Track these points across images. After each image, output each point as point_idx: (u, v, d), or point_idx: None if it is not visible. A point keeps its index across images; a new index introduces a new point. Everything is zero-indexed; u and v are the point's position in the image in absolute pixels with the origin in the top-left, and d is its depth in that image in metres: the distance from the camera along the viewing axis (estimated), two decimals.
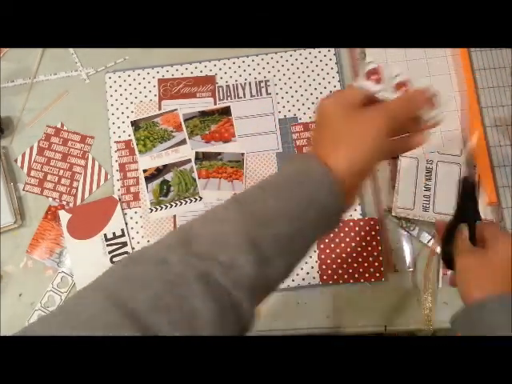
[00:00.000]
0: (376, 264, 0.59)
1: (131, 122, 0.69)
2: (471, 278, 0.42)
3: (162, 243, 0.35)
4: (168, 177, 0.67)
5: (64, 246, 0.65)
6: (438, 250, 0.62)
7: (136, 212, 0.66)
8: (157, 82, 0.70)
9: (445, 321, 0.61)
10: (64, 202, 0.67)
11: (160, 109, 0.69)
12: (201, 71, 0.70)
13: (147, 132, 0.68)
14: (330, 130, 0.39)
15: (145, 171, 0.67)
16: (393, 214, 0.63)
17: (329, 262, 0.60)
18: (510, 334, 0.38)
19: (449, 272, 0.61)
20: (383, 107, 0.40)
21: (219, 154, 0.67)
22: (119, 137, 0.68)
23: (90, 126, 0.69)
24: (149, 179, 0.67)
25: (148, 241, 0.65)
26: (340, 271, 0.59)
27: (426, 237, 0.63)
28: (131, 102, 0.69)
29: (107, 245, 0.65)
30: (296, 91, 0.69)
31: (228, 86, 0.69)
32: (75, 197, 0.67)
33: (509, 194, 0.62)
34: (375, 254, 0.60)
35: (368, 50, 0.69)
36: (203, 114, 0.69)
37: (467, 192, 0.50)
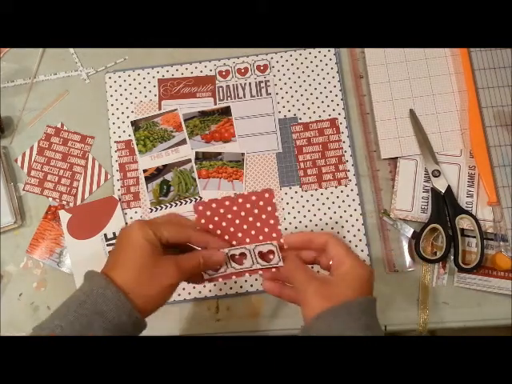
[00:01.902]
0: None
1: (131, 121, 0.69)
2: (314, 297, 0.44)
3: None
4: (168, 177, 0.67)
5: (64, 246, 0.65)
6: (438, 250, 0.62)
7: (136, 212, 0.66)
8: (157, 82, 0.70)
9: (444, 321, 0.61)
10: (64, 202, 0.67)
11: (160, 109, 0.69)
12: (201, 71, 0.70)
13: (147, 132, 0.68)
14: (131, 259, 0.43)
15: (145, 171, 0.67)
16: (391, 215, 0.64)
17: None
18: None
19: (446, 272, 0.62)
20: (179, 267, 0.44)
21: (219, 153, 0.67)
22: (119, 137, 0.68)
23: (90, 126, 0.69)
24: (149, 179, 0.67)
25: None
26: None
27: None
28: (131, 102, 0.69)
29: (107, 245, 0.65)
30: (296, 91, 0.69)
31: (228, 86, 0.69)
32: (75, 197, 0.67)
33: (509, 194, 0.62)
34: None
35: (367, 51, 0.69)
36: (203, 113, 0.69)
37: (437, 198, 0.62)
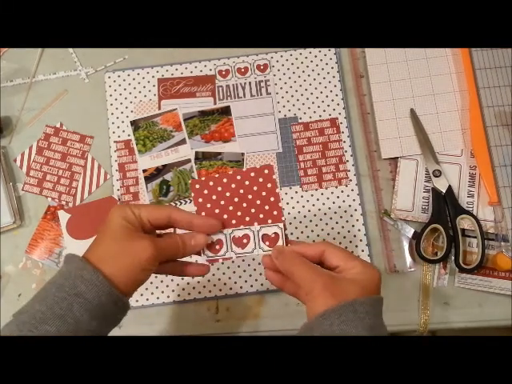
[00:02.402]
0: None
1: (131, 121, 0.68)
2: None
3: None
4: (168, 177, 0.66)
5: (63, 246, 0.65)
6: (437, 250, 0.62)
7: None
8: (156, 82, 0.70)
9: (445, 321, 0.61)
10: (63, 202, 0.67)
11: (160, 108, 0.69)
12: (200, 71, 0.70)
13: (147, 132, 0.68)
14: (108, 237, 0.44)
15: (144, 171, 0.67)
16: (392, 215, 0.63)
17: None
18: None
19: (447, 272, 0.61)
20: (155, 243, 0.44)
21: (219, 153, 0.67)
22: (119, 136, 0.68)
23: (89, 126, 0.69)
24: (148, 179, 0.67)
25: None
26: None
27: None
28: (131, 102, 0.69)
29: None
30: (296, 91, 0.69)
31: (228, 86, 0.69)
32: (74, 197, 0.67)
33: (510, 194, 0.61)
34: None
35: (368, 50, 0.69)
36: (203, 113, 0.68)
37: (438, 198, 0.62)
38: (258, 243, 0.48)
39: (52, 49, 0.72)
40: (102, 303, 0.41)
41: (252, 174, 0.48)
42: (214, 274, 0.63)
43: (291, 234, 0.64)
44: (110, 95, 0.70)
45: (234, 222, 0.48)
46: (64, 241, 0.65)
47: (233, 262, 0.63)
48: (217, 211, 0.48)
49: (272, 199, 0.48)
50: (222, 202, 0.48)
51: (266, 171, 0.48)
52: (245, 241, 0.48)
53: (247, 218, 0.48)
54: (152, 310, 0.63)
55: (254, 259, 0.64)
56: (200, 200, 0.48)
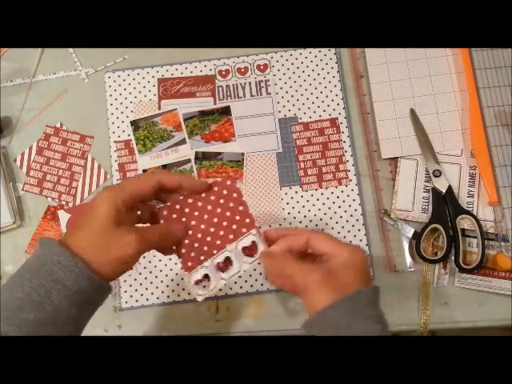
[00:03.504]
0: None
1: (131, 121, 0.68)
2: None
3: None
4: None
5: None
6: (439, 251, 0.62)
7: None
8: (156, 82, 0.70)
9: (445, 321, 0.61)
10: (63, 202, 0.67)
11: (160, 108, 0.69)
12: (200, 71, 0.70)
13: (147, 132, 0.68)
14: (91, 223, 0.42)
15: (144, 171, 0.67)
16: (392, 215, 0.63)
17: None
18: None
19: (447, 272, 0.61)
20: (140, 235, 0.43)
21: (219, 153, 0.67)
22: (119, 136, 0.68)
23: (89, 126, 0.69)
24: None
25: None
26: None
27: None
28: (131, 102, 0.69)
29: None
30: (296, 91, 0.69)
31: (228, 86, 0.69)
32: (74, 197, 0.67)
33: (510, 194, 0.61)
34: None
35: (368, 50, 0.69)
36: (203, 113, 0.68)
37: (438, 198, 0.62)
38: (242, 259, 0.47)
39: (52, 49, 0.72)
40: (82, 289, 0.40)
41: (216, 189, 0.48)
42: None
43: None
44: (110, 95, 0.70)
45: (208, 239, 0.47)
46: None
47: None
48: (190, 232, 0.48)
49: (241, 208, 0.48)
50: (193, 223, 0.48)
51: (229, 182, 0.48)
52: (228, 264, 0.48)
53: (221, 232, 0.48)
54: (152, 309, 0.63)
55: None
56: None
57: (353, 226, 0.64)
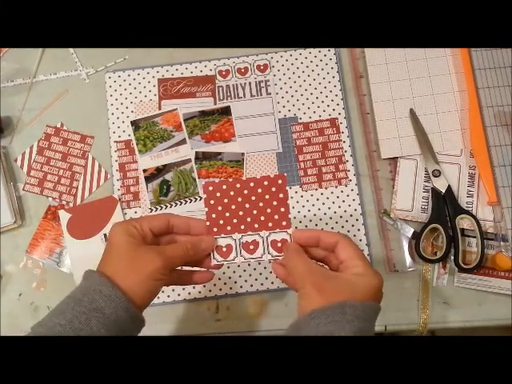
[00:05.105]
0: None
1: (131, 121, 0.68)
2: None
3: None
4: (168, 176, 0.67)
5: (64, 246, 0.65)
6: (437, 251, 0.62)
7: (136, 212, 0.66)
8: (157, 82, 0.70)
9: (444, 321, 0.61)
10: (64, 202, 0.67)
11: (160, 108, 0.69)
12: (201, 71, 0.70)
13: (147, 132, 0.68)
14: (116, 254, 0.44)
15: (145, 171, 0.67)
16: (391, 215, 0.63)
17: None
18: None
19: (447, 272, 0.62)
20: (162, 253, 0.45)
21: (219, 153, 0.67)
22: (119, 136, 0.68)
23: (89, 126, 0.69)
24: (149, 179, 0.67)
25: None
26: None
27: None
28: (131, 102, 0.69)
29: None
30: (296, 91, 0.69)
31: (228, 86, 0.69)
32: (75, 196, 0.67)
33: (509, 194, 0.62)
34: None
35: (368, 50, 0.69)
36: (203, 113, 0.68)
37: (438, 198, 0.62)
38: (268, 248, 0.48)
39: (53, 49, 0.72)
40: (120, 318, 0.41)
41: (265, 183, 0.48)
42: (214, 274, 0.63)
43: None
44: (111, 95, 0.70)
45: (242, 227, 0.49)
46: (64, 240, 0.65)
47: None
48: (227, 215, 0.49)
49: (282, 209, 0.48)
50: (233, 207, 0.49)
51: (280, 181, 0.48)
52: (251, 247, 0.49)
53: (256, 225, 0.48)
54: (152, 309, 0.63)
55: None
56: (212, 202, 0.48)
57: (352, 225, 0.64)
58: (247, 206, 0.48)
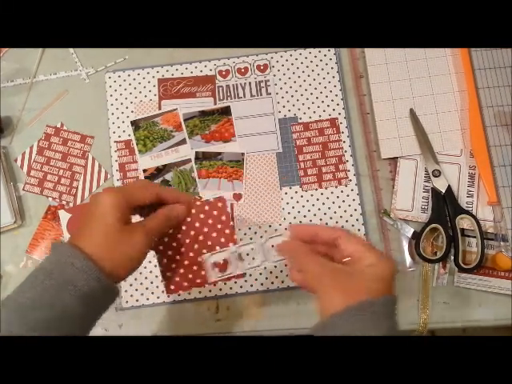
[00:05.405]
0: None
1: (131, 121, 0.68)
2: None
3: None
4: (168, 176, 0.67)
5: None
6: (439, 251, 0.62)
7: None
8: (157, 82, 0.70)
9: (444, 321, 0.61)
10: (64, 202, 0.67)
11: (160, 108, 0.69)
12: (201, 71, 0.70)
13: (147, 132, 0.68)
14: (99, 225, 0.43)
15: (145, 171, 0.67)
16: (391, 215, 0.63)
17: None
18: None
19: (447, 272, 0.62)
20: (145, 228, 0.45)
21: (219, 153, 0.67)
22: (119, 136, 0.68)
23: (89, 126, 0.69)
24: (149, 179, 0.67)
25: None
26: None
27: None
28: (131, 102, 0.69)
29: None
30: (296, 91, 0.69)
31: (228, 86, 0.69)
32: (75, 196, 0.67)
33: (509, 194, 0.62)
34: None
35: (368, 50, 0.69)
36: (203, 113, 0.68)
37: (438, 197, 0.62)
38: (269, 255, 0.48)
39: (53, 49, 0.72)
40: (92, 290, 0.41)
41: (206, 208, 0.49)
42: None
43: None
44: (111, 95, 0.70)
45: (191, 254, 0.49)
46: (65, 240, 0.65)
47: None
48: (174, 244, 0.49)
49: (227, 231, 0.49)
50: (179, 236, 0.49)
51: (220, 204, 0.49)
52: (253, 256, 0.49)
53: (204, 251, 0.49)
54: (152, 309, 0.63)
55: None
56: (160, 247, 0.49)
57: (352, 225, 0.64)
58: (192, 233, 0.49)
